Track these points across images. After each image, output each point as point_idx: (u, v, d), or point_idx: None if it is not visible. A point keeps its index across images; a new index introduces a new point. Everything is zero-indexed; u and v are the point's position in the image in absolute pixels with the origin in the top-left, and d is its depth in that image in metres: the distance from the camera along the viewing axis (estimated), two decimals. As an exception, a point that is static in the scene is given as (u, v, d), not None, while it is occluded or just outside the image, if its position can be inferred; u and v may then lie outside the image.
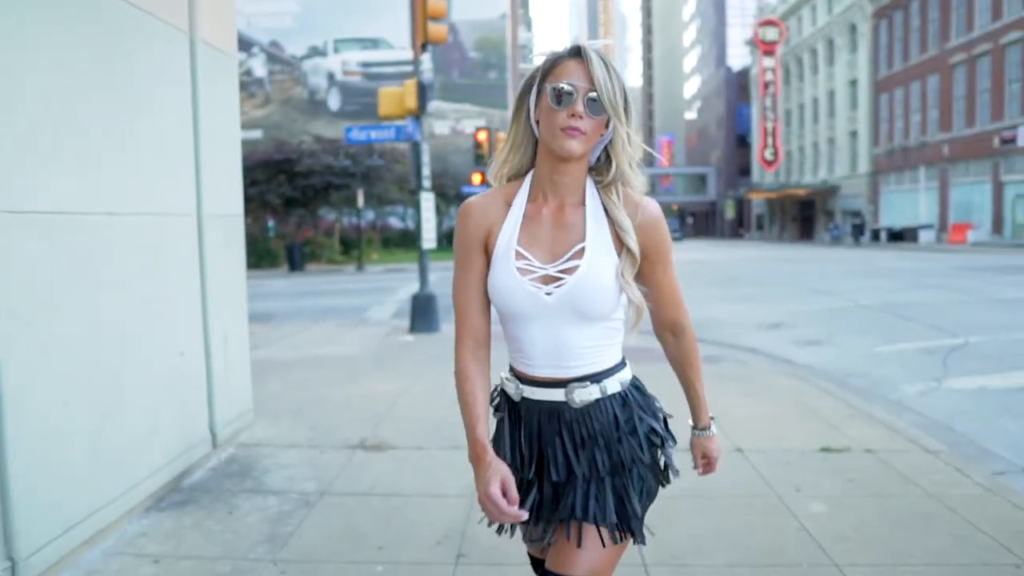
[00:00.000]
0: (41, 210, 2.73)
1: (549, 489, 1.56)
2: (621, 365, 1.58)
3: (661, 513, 1.63)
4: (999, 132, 29.94)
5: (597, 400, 1.52)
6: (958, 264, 19.35)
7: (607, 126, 1.47)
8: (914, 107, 37.32)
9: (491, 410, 1.60)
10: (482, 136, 12.95)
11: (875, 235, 38.19)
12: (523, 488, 1.56)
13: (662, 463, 1.62)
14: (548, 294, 1.47)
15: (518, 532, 1.68)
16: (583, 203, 1.51)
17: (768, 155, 51.55)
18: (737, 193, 61.88)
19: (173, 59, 3.79)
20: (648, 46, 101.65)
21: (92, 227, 3.03)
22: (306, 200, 27.87)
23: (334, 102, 43.50)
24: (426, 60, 9.42)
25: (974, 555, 2.86)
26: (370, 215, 34.75)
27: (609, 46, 1.48)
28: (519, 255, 1.49)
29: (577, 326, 1.48)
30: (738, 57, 64.34)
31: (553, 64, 1.46)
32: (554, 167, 1.49)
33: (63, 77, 2.88)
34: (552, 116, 1.42)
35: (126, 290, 3.27)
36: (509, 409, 1.61)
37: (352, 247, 29.75)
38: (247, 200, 4.67)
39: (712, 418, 1.72)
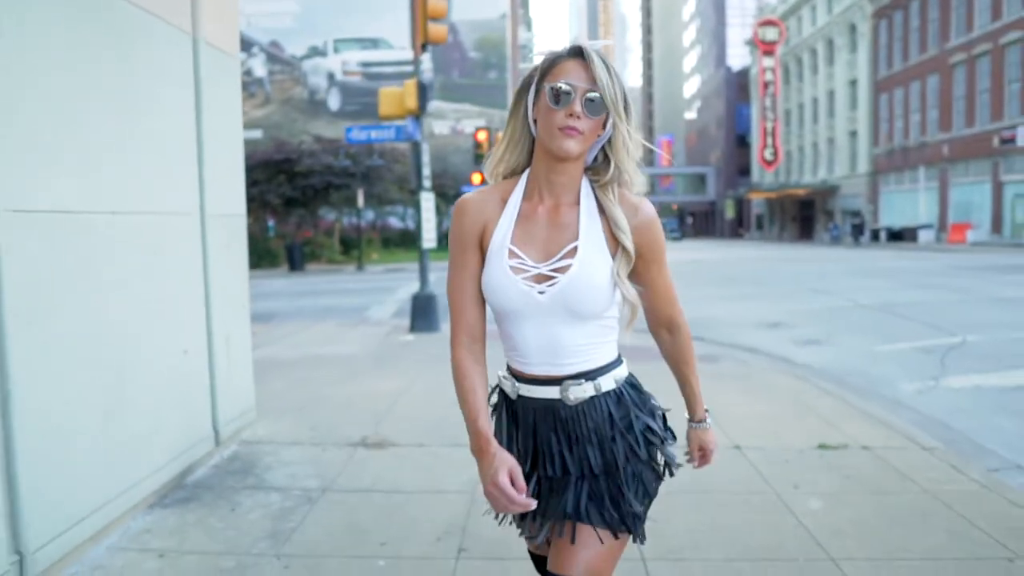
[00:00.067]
0: (44, 209, 2.76)
1: (545, 485, 1.58)
2: (617, 362, 1.58)
3: (659, 508, 1.65)
4: (999, 132, 29.98)
5: (592, 397, 1.53)
6: (957, 264, 19.39)
7: (604, 126, 1.48)
8: (914, 107, 37.36)
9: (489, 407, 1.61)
10: (482, 136, 12.99)
11: (875, 235, 38.22)
12: None
13: (661, 460, 1.63)
14: (541, 293, 1.47)
15: (516, 529, 1.69)
16: (578, 203, 1.52)
17: (768, 155, 51.59)
18: (737, 193, 61.93)
19: (176, 59, 3.82)
20: (648, 46, 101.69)
21: (95, 226, 3.06)
22: (306, 200, 27.90)
23: (334, 102, 43.56)
24: (426, 60, 9.45)
25: (969, 550, 2.89)
26: (370, 215, 34.80)
27: (609, 47, 1.49)
28: (512, 254, 1.50)
29: (570, 324, 1.49)
30: (738, 57, 64.40)
31: (552, 64, 1.47)
32: (551, 166, 1.50)
33: (65, 77, 2.91)
34: (550, 115, 1.44)
35: (129, 289, 3.30)
36: (506, 406, 1.63)
37: (352, 247, 29.79)
38: (247, 200, 4.71)
39: (707, 410, 1.74)
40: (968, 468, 3.82)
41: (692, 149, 79.26)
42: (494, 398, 1.67)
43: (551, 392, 1.52)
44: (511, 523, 1.71)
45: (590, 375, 1.53)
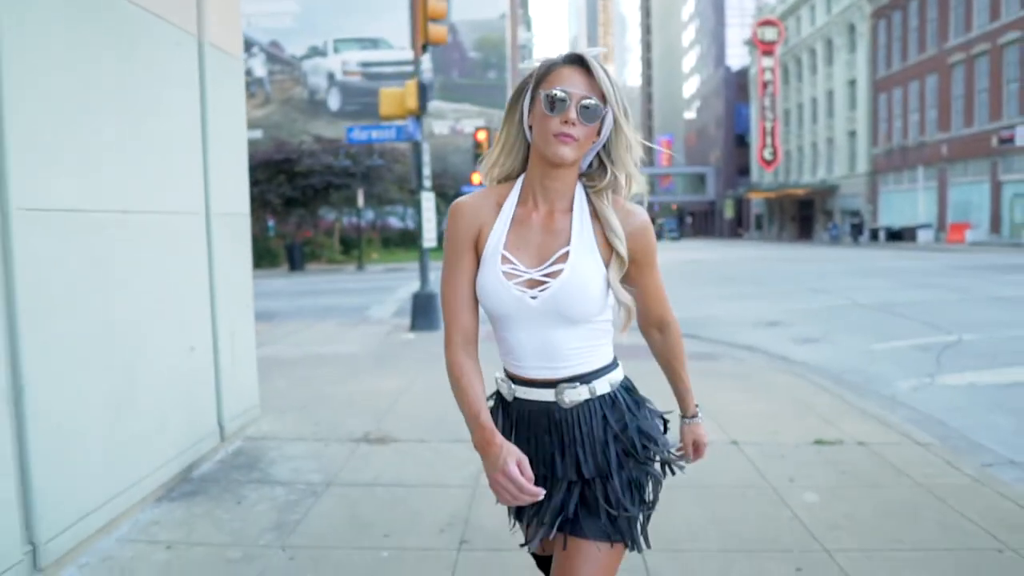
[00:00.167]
0: (55, 208, 2.82)
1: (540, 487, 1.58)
2: (612, 366, 1.60)
3: (658, 502, 1.68)
4: (997, 132, 30.04)
5: (586, 401, 1.54)
6: (956, 263, 19.45)
7: (599, 133, 1.50)
8: (912, 107, 37.43)
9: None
10: (482, 136, 13.02)
11: (874, 234, 38.30)
12: None
13: (658, 465, 1.64)
14: (533, 298, 1.49)
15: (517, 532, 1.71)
16: (572, 208, 1.54)
17: (767, 155, 51.66)
18: (736, 193, 62.00)
19: (182, 61, 3.89)
20: (647, 46, 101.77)
21: (105, 225, 3.13)
22: (306, 200, 27.94)
23: (334, 102, 43.61)
24: (425, 60, 9.52)
25: (960, 541, 2.96)
26: (370, 215, 34.86)
27: (604, 53, 1.52)
28: (505, 259, 1.51)
29: (563, 328, 1.51)
30: (737, 57, 64.47)
31: (547, 70, 1.48)
32: (545, 172, 1.51)
33: (77, 78, 2.97)
34: (545, 122, 1.45)
35: (137, 287, 3.36)
36: (502, 408, 1.64)
37: (352, 247, 29.86)
38: (248, 200, 4.78)
39: (697, 405, 1.78)
40: (961, 463, 3.89)
41: (691, 149, 79.32)
42: (491, 401, 1.67)
43: (546, 395, 1.54)
44: (512, 527, 1.72)
45: (585, 378, 1.54)
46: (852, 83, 43.88)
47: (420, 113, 9.30)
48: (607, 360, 1.58)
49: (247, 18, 39.21)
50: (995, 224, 30.89)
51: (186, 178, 3.91)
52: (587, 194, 1.55)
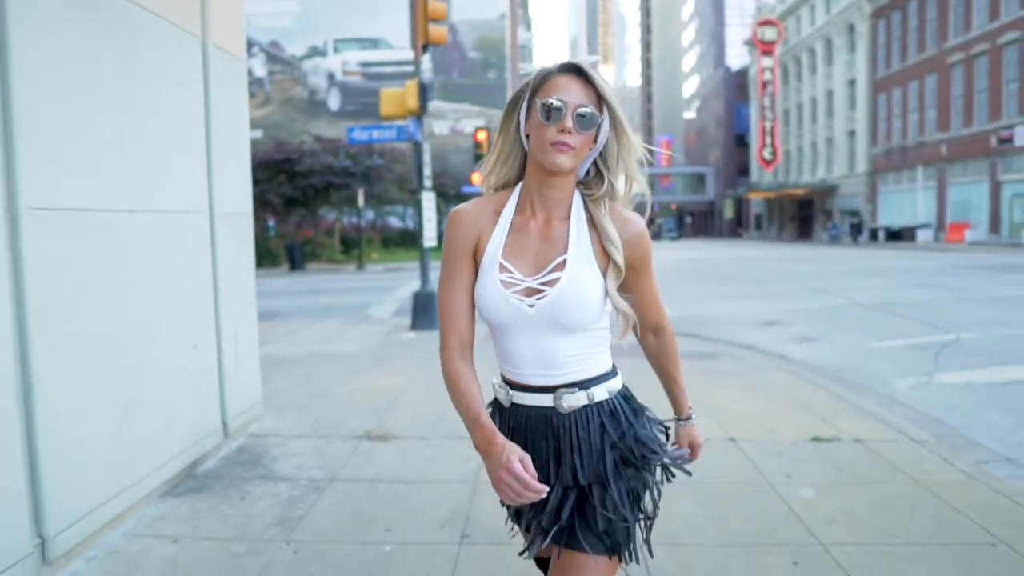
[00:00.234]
0: (64, 207, 2.86)
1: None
2: (611, 374, 1.60)
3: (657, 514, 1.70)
4: (996, 132, 30.09)
5: (584, 407, 1.54)
6: (955, 263, 19.49)
7: (595, 140, 1.52)
8: (912, 107, 37.48)
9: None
10: (482, 136, 13.05)
11: (873, 234, 38.35)
12: None
13: (657, 473, 1.64)
14: (530, 306, 1.49)
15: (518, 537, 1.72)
16: (569, 216, 1.55)
17: (767, 155, 51.72)
18: (736, 192, 62.07)
19: (186, 62, 3.93)
20: (647, 46, 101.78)
21: (113, 224, 3.17)
22: (306, 200, 28.00)
23: (334, 102, 43.66)
24: (426, 60, 9.57)
25: (954, 535, 3.00)
26: (370, 215, 34.93)
27: (598, 62, 1.52)
28: (503, 268, 1.52)
29: (561, 336, 1.51)
30: (737, 57, 64.54)
31: (543, 80, 1.49)
32: (543, 180, 1.52)
33: (83, 78, 3.01)
34: (542, 131, 1.46)
35: (143, 285, 3.41)
36: (499, 415, 1.65)
37: (352, 246, 29.92)
38: (248, 199, 4.82)
39: (690, 407, 1.80)
40: (957, 460, 3.93)
41: (691, 149, 79.39)
42: (488, 408, 1.65)
43: (544, 400, 1.55)
44: (512, 531, 1.72)
45: (583, 385, 1.55)
46: (852, 83, 43.94)
47: (421, 113, 9.34)
48: (605, 367, 1.59)
49: (247, 18, 39.01)
50: (994, 224, 30.94)
51: (190, 178, 3.96)
52: (584, 202, 1.56)
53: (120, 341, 3.20)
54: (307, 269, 25.51)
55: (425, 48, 9.31)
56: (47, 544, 2.66)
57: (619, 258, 1.51)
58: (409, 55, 10.11)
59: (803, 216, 51.64)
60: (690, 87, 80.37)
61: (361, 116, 35.79)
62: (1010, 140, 28.80)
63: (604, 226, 1.52)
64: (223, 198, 4.24)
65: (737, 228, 64.63)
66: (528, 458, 1.40)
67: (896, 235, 35.96)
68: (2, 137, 2.54)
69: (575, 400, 1.53)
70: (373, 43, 43.21)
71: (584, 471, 1.54)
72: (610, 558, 1.55)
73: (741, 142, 62.80)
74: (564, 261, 1.50)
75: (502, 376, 1.63)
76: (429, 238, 9.56)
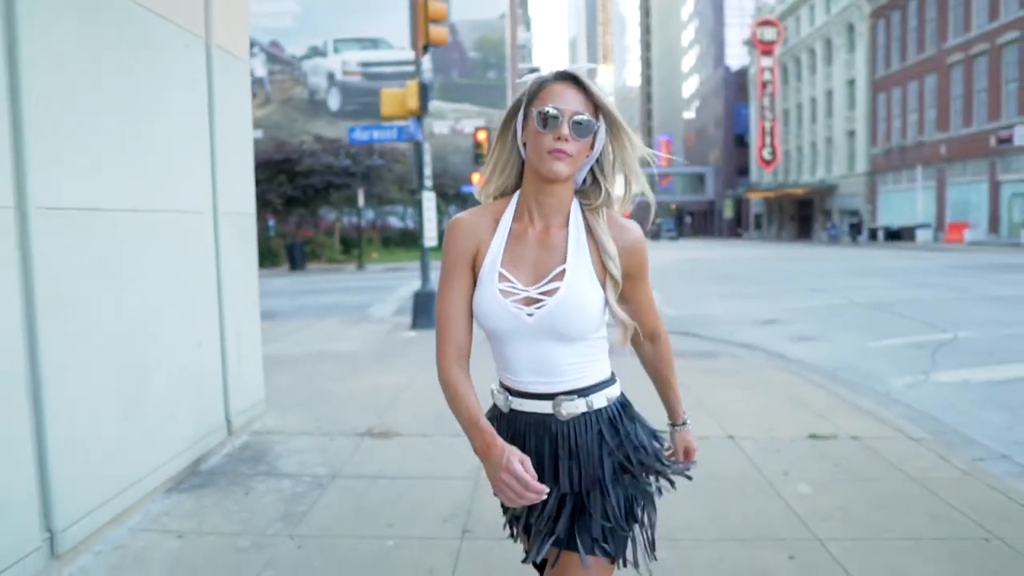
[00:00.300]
0: (72, 206, 2.90)
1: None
2: (610, 381, 1.61)
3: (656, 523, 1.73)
4: (996, 132, 30.15)
5: (583, 414, 1.55)
6: (954, 263, 19.54)
7: (592, 147, 1.53)
8: (911, 107, 37.54)
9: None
10: (482, 136, 13.10)
11: (872, 234, 38.41)
12: None
13: (653, 482, 1.65)
14: (529, 315, 1.50)
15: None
16: (567, 224, 1.55)
17: (766, 155, 51.79)
18: (735, 192, 62.14)
19: (190, 63, 3.97)
20: (647, 46, 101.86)
21: (118, 223, 3.21)
22: (306, 200, 28.02)
23: (334, 102, 43.70)
24: (426, 60, 9.61)
25: (948, 531, 3.04)
26: (370, 215, 34.97)
27: (594, 69, 1.55)
28: (502, 277, 1.52)
29: (560, 345, 1.52)
30: (736, 57, 64.63)
31: (539, 88, 1.50)
32: (540, 188, 1.53)
33: (89, 78, 3.05)
34: (538, 139, 1.47)
35: (148, 284, 3.45)
36: (497, 422, 1.64)
37: (352, 246, 29.97)
38: (249, 200, 4.87)
39: (685, 412, 1.81)
40: (953, 457, 3.97)
41: (691, 149, 79.45)
42: (487, 413, 1.66)
43: (544, 407, 1.55)
44: (513, 536, 1.74)
45: (582, 392, 1.55)
46: (851, 83, 43.99)
47: (421, 113, 9.39)
48: (604, 375, 1.60)
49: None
50: (993, 224, 31.00)
51: (194, 178, 4.00)
52: (583, 211, 1.57)
53: (125, 340, 3.24)
54: (307, 269, 25.55)
55: (425, 48, 9.35)
56: (56, 538, 2.70)
57: (617, 273, 1.52)
58: (409, 55, 10.15)
59: (802, 216, 51.70)
60: (690, 87, 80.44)
61: (361, 116, 35.85)
62: (1009, 140, 28.85)
63: (603, 241, 1.52)
64: (226, 198, 4.28)
65: (737, 228, 64.69)
66: (527, 459, 1.41)
67: (895, 235, 36.03)
68: (12, 138, 2.57)
69: (574, 407, 1.54)
70: (373, 43, 43.25)
71: (582, 478, 1.55)
72: (611, 563, 1.58)
73: (741, 142, 62.87)
74: (563, 271, 1.51)
75: (500, 382, 1.64)
76: (429, 238, 9.61)
